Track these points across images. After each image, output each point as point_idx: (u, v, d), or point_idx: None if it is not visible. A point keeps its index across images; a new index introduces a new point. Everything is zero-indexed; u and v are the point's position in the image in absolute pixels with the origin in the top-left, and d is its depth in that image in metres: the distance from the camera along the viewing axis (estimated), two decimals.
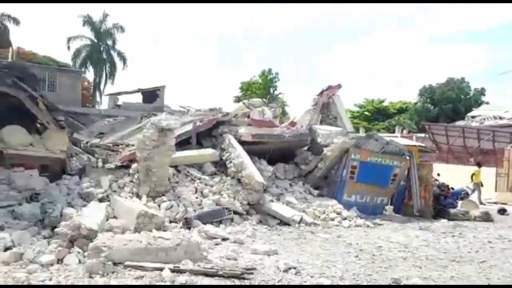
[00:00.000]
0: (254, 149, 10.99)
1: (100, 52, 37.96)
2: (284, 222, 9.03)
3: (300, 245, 7.27)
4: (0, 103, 7.35)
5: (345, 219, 9.88)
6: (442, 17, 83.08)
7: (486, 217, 11.53)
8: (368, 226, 9.68)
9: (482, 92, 43.35)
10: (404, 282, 5.31)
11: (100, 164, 9.17)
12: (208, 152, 10.19)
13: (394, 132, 38.02)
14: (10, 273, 4.77)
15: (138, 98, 26.82)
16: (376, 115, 50.54)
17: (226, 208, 8.72)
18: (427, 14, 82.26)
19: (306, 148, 12.46)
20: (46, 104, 7.84)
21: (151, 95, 26.22)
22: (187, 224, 7.79)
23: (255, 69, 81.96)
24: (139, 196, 8.60)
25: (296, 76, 76.01)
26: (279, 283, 5.11)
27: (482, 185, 15.33)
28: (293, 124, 12.63)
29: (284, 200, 9.98)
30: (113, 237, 5.68)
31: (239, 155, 9.83)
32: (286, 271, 5.53)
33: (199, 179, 9.59)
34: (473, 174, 15.60)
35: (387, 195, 11.84)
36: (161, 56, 77.86)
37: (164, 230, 6.97)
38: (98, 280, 4.77)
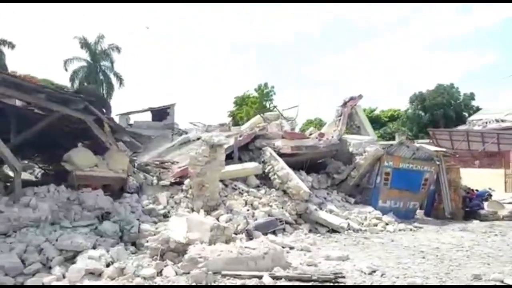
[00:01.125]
0: (291, 160, 11.34)
1: (97, 73, 38.28)
2: (332, 230, 9.35)
3: (363, 250, 7.58)
4: (71, 126, 7.61)
5: (387, 224, 10.24)
6: (424, 27, 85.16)
7: None
8: (410, 229, 10.05)
9: (471, 96, 44.10)
10: (484, 278, 5.64)
11: (155, 181, 9.42)
12: (251, 166, 10.51)
13: (394, 139, 38.72)
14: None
15: (146, 116, 27.10)
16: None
17: (278, 219, 9.02)
18: (408, 27, 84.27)
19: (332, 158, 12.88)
20: (111, 126, 8.13)
21: (160, 113, 26.55)
22: (249, 235, 8.06)
23: (246, 82, 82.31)
24: (194, 211, 8.87)
25: (286, 86, 76.74)
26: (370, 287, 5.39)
27: None
28: (322, 135, 13.01)
29: (327, 209, 10.30)
30: (205, 248, 5.94)
31: (283, 167, 10.18)
32: (371, 273, 5.85)
33: (247, 192, 9.89)
34: None
35: (419, 199, 12.23)
36: (154, 74, 78.03)
37: (233, 241, 7.24)
38: None
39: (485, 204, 13.26)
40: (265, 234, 8.41)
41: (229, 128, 20.01)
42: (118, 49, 38.98)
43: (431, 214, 12.56)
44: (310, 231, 9.23)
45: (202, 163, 9.05)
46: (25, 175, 12.05)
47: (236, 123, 41.15)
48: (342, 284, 5.42)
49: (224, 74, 79.55)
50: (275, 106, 17.27)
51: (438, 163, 12.18)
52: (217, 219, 8.54)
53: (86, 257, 5.56)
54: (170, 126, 24.62)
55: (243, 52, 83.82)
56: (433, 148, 14.38)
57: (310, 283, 5.39)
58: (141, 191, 8.92)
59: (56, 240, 5.90)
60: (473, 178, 16.83)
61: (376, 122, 50.66)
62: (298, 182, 9.82)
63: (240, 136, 11.39)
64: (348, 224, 9.59)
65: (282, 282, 5.33)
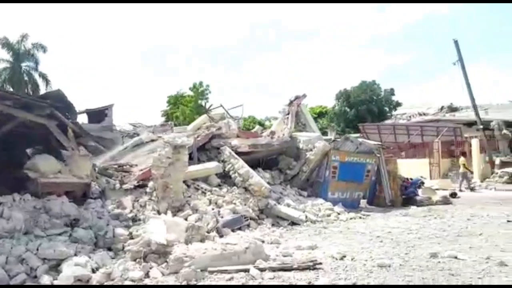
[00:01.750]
0: (247, 158, 11.75)
1: (21, 74, 35.99)
2: (293, 222, 9.94)
3: (326, 238, 8.24)
4: (35, 132, 7.30)
5: (339, 214, 11.07)
6: (347, 25, 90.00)
7: (446, 201, 13.52)
8: (360, 217, 10.98)
9: (392, 92, 47.06)
10: (440, 255, 6.46)
11: (117, 185, 9.31)
12: (212, 165, 10.76)
13: (326, 134, 40.66)
14: None
15: (83, 118, 25.97)
16: None
17: (243, 215, 9.40)
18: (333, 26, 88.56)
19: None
20: (76, 131, 7.91)
21: (98, 115, 25.59)
22: (219, 232, 8.35)
23: (177, 81, 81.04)
24: (159, 213, 8.94)
25: (222, 86, 77.00)
26: (346, 270, 5.95)
27: (472, 172, 18.37)
28: (273, 133, 13.60)
29: (284, 203, 10.86)
30: (189, 248, 6.16)
31: (243, 165, 10.56)
32: (342, 259, 6.45)
33: (210, 191, 10.14)
34: (463, 164, 18.66)
35: (362, 189, 13.30)
36: (83, 74, 74.13)
37: (207, 240, 7.50)
38: None
39: (419, 191, 14.71)
40: (233, 230, 8.76)
41: (172, 128, 19.98)
42: (43, 48, 36.82)
43: (373, 203, 13.68)
44: (273, 225, 9.71)
45: (166, 165, 9.13)
46: None
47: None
48: (320, 268, 5.94)
49: (155, 74, 77.61)
50: (221, 105, 17.54)
51: (378, 155, 13.29)
52: (185, 219, 8.71)
53: (71, 264, 5.53)
54: (109, 127, 23.86)
55: (173, 52, 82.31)
56: (372, 142, 15.58)
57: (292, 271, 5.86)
58: (104, 196, 8.80)
59: (37, 249, 5.76)
60: (402, 167, 18.47)
61: None
62: (259, 179, 10.27)
63: (198, 137, 11.57)
64: (306, 216, 10.26)
65: (267, 272, 5.72)
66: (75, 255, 5.90)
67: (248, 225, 9.42)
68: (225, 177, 11.07)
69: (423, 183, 15.33)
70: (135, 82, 75.44)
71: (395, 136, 30.07)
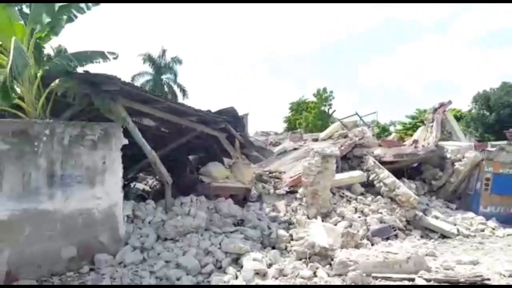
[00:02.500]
0: (390, 168, 11.68)
1: (162, 86, 40.33)
2: (443, 235, 9.62)
3: (486, 254, 7.85)
4: (201, 142, 8.57)
5: (493, 229, 10.33)
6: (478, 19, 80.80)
7: None
8: None
9: None
10: None
11: (271, 191, 10.20)
12: (357, 174, 11.00)
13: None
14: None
15: None
16: None
17: (391, 225, 9.43)
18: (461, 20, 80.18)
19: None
20: (242, 143, 9.04)
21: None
22: (369, 241, 8.55)
23: (294, 88, 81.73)
24: (309, 218, 9.49)
25: (338, 91, 75.43)
26: None
27: None
28: (416, 142, 13.24)
29: (432, 215, 10.55)
30: (352, 253, 6.54)
31: (389, 175, 10.58)
32: (511, 276, 6.15)
33: (355, 199, 10.39)
34: None
35: None
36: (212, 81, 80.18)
37: (361, 247, 7.77)
38: None
39: None
40: (382, 240, 8.88)
41: (301, 136, 20.61)
42: (179, 62, 40.88)
43: None
44: (421, 237, 9.54)
45: (315, 173, 9.67)
46: (140, 186, 13.34)
47: (292, 128, 41.59)
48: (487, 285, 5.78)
49: (270, 81, 79.51)
50: (356, 113, 17.61)
51: None
52: (335, 225, 9.12)
53: (250, 259, 6.35)
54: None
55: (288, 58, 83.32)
56: None
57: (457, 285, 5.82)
58: (261, 200, 9.71)
59: (219, 244, 6.75)
60: None
61: None
62: (406, 189, 10.19)
63: (341, 146, 11.91)
64: (458, 230, 9.83)
65: (432, 283, 5.79)
66: (251, 251, 6.73)
67: (396, 236, 9.40)
68: (368, 186, 11.18)
69: None
70: (255, 88, 78.33)
71: None
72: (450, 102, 14.70)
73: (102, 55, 7.17)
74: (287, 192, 10.26)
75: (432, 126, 13.78)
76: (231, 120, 8.54)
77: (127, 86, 6.61)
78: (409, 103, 75.69)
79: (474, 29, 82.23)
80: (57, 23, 7.04)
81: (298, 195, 10.04)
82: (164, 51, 40.60)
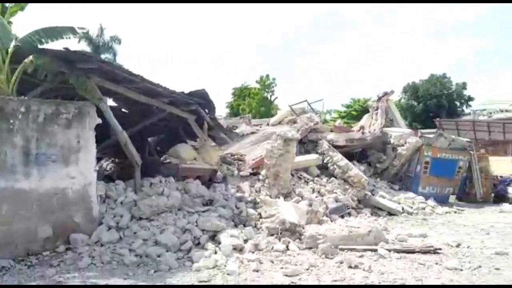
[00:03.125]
0: (341, 151, 12.48)
1: None
2: (390, 213, 10.57)
3: (432, 229, 8.82)
4: (164, 124, 8.59)
5: (433, 207, 11.52)
6: (417, 14, 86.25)
7: None
8: (455, 212, 11.35)
9: (464, 86, 44.44)
10: None
11: (235, 172, 10.49)
12: (313, 157, 11.64)
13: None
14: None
15: None
16: (363, 114, 51.84)
17: (345, 204, 10.18)
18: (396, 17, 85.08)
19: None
20: (211, 125, 9.17)
21: None
22: (329, 218, 9.20)
23: (238, 74, 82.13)
24: (271, 197, 9.95)
25: (281, 79, 76.94)
26: (466, 256, 6.53)
27: None
28: (362, 128, 14.19)
29: (379, 195, 11.50)
30: (319, 228, 7.08)
31: (342, 158, 11.33)
32: (458, 246, 7.04)
33: (312, 180, 11.02)
34: None
35: (453, 185, 13.54)
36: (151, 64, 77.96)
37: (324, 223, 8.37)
38: (327, 261, 6.12)
39: (509, 189, 14.61)
40: (338, 217, 9.57)
41: (249, 121, 21.07)
42: (119, 41, 39.13)
43: (462, 199, 13.86)
44: (371, 214, 10.41)
45: (277, 156, 10.12)
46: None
47: (235, 114, 41.84)
48: (439, 253, 6.58)
49: (216, 66, 79.10)
50: (305, 100, 18.29)
51: (471, 152, 13.45)
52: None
53: (227, 235, 6.65)
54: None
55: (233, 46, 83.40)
56: (464, 139, 15.63)
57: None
58: (225, 181, 9.98)
59: (196, 222, 6.97)
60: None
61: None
62: (358, 171, 11.00)
63: (298, 131, 12.46)
64: (402, 208, 10.85)
65: (393, 253, 6.48)
66: (227, 228, 7.02)
67: (349, 213, 10.19)
68: (322, 169, 11.88)
69: None
70: (197, 73, 77.22)
71: (474, 133, 29.14)
72: (392, 92, 15.85)
73: (72, 31, 6.96)
74: (250, 173, 10.63)
75: (377, 113, 14.80)
76: (202, 102, 8.67)
77: (105, 65, 6.51)
78: (345, 92, 79.18)
79: (412, 23, 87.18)
80: None
81: (261, 177, 10.45)
82: (102, 30, 38.66)
